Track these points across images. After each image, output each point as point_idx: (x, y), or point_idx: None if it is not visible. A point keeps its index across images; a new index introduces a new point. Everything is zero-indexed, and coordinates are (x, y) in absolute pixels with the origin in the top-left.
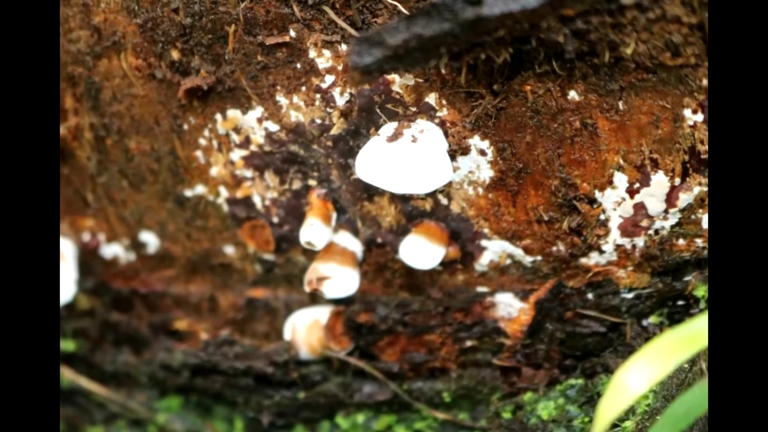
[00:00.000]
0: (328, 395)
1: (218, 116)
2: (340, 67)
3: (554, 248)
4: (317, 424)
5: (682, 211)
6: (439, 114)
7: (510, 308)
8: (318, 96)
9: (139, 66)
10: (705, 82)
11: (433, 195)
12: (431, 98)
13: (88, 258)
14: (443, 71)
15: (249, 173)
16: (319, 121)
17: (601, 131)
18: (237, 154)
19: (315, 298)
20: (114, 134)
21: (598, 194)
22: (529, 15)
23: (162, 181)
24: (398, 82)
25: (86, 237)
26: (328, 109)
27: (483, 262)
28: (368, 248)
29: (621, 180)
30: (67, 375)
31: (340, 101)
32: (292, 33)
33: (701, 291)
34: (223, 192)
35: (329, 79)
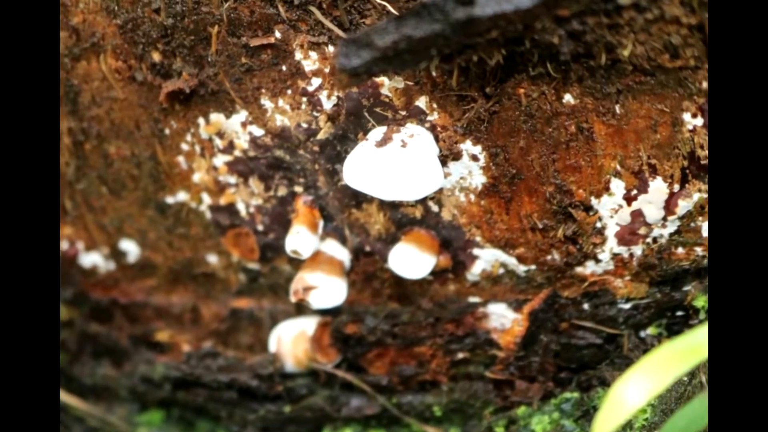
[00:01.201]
0: (315, 409)
1: (201, 120)
2: (327, 70)
3: (549, 257)
4: None
5: (681, 218)
6: (429, 118)
7: (503, 319)
8: (304, 99)
9: (119, 68)
10: (705, 84)
11: (423, 202)
12: (421, 102)
13: (66, 267)
14: (434, 74)
15: (233, 179)
16: (305, 126)
17: (597, 136)
18: (220, 160)
19: (301, 309)
20: (93, 139)
21: (594, 201)
22: (522, 15)
23: (143, 188)
24: (387, 85)
25: (64, 245)
26: (315, 113)
27: (475, 271)
28: (356, 257)
29: (618, 186)
30: None
31: (327, 105)
32: (278, 34)
33: (701, 301)
34: (206, 199)
35: (316, 81)
